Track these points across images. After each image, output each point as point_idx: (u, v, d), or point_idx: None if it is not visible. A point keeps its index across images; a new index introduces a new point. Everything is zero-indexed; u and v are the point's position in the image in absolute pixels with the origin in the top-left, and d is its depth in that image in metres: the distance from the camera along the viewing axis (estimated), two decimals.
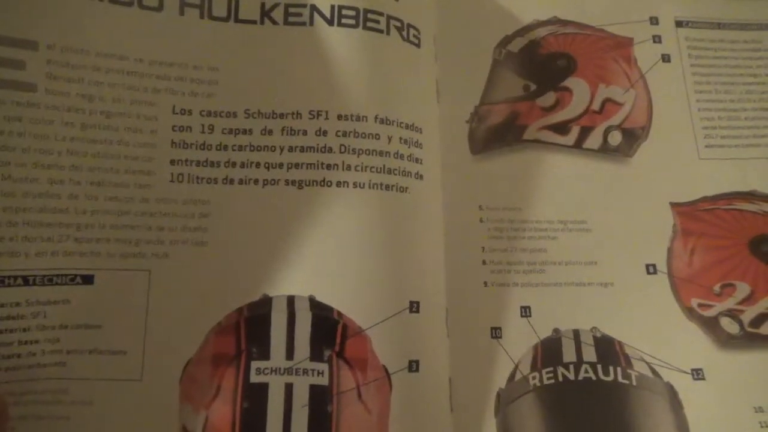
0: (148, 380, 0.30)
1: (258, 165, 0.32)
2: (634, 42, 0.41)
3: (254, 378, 0.30)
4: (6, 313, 0.29)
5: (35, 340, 0.29)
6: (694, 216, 0.37)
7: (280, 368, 0.30)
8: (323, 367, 0.30)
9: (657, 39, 0.41)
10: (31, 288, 0.29)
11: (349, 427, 0.30)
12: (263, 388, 0.30)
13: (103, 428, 0.29)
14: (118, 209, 0.31)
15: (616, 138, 0.39)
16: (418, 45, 0.35)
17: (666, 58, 0.41)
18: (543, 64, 0.40)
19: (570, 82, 0.39)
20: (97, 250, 0.30)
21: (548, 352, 0.34)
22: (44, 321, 0.29)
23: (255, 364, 0.30)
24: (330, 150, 0.33)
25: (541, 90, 0.39)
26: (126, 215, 0.31)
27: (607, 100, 0.39)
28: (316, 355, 0.30)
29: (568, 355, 0.34)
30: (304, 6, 0.34)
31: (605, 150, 0.39)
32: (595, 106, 0.39)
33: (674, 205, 0.38)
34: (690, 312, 0.36)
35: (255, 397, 0.29)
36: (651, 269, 0.37)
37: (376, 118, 0.33)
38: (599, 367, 0.34)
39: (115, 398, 0.30)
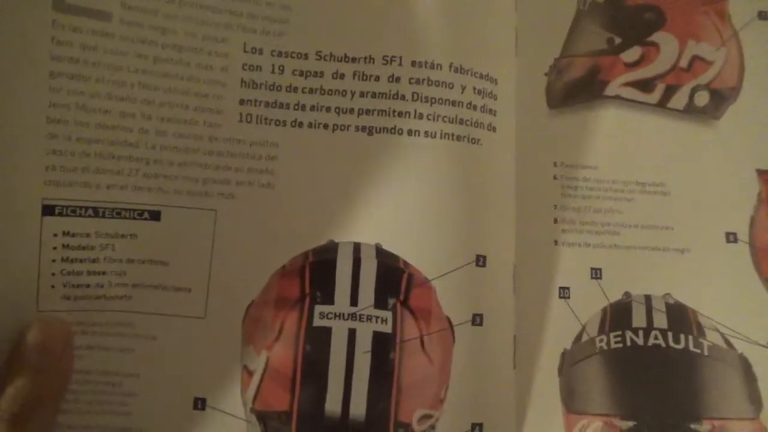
0: (211, 319, 0.30)
1: (328, 109, 0.32)
2: None
3: (317, 322, 0.30)
4: (77, 243, 0.29)
5: (103, 272, 0.29)
6: None
7: (343, 314, 0.30)
8: (387, 314, 0.30)
9: None
10: (100, 220, 0.29)
11: (411, 376, 0.30)
12: (326, 332, 0.30)
13: (167, 363, 0.30)
14: (186, 146, 0.30)
15: (703, 98, 0.37)
16: None
17: (763, 15, 0.38)
18: (629, 16, 0.37)
19: (657, 36, 0.37)
20: (164, 186, 0.30)
21: (617, 315, 0.34)
22: (112, 254, 0.30)
23: (318, 309, 0.30)
24: (402, 97, 0.32)
25: (625, 44, 0.37)
26: (194, 153, 0.30)
27: (695, 58, 0.37)
28: (380, 303, 0.30)
29: (638, 320, 0.33)
30: None
31: (691, 110, 0.37)
32: (683, 63, 0.37)
33: (761, 172, 0.36)
34: None
35: (317, 340, 0.30)
36: (731, 237, 0.35)
37: (450, 66, 0.32)
38: (670, 334, 0.33)
39: (179, 334, 0.30)
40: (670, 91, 0.37)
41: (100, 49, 0.29)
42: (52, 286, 0.29)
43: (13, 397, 0.26)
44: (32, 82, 0.28)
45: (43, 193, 0.28)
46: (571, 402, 0.33)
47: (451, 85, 0.32)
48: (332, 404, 0.29)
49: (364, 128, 0.32)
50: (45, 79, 0.28)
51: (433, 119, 0.32)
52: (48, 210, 0.29)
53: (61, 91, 0.29)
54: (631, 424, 0.32)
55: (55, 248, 0.29)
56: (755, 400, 0.32)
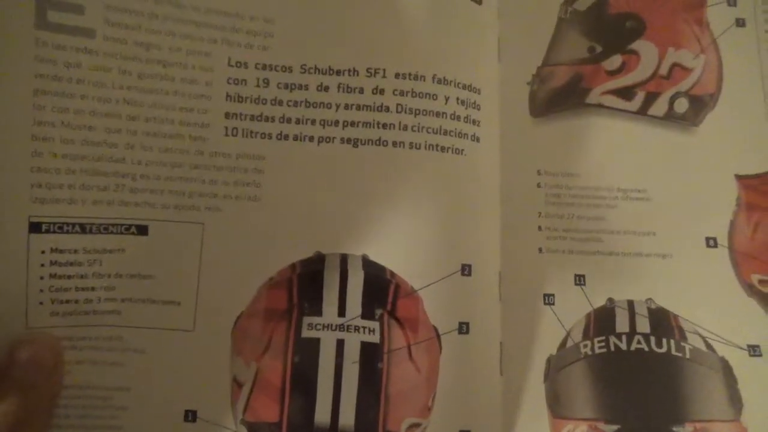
0: (200, 331, 0.30)
1: (313, 122, 0.32)
2: (707, 4, 0.39)
3: (305, 333, 0.30)
4: (64, 259, 0.29)
5: (91, 287, 0.30)
6: (760, 189, 0.36)
7: (331, 324, 0.30)
8: (374, 325, 0.30)
9: (731, 2, 0.39)
10: (87, 236, 0.29)
11: (398, 385, 0.30)
12: (314, 343, 0.30)
13: (157, 376, 0.30)
14: (172, 161, 0.31)
15: (682, 105, 0.37)
16: (479, 2, 0.34)
17: (740, 23, 0.39)
18: (610, 24, 0.38)
19: (638, 44, 0.38)
20: (151, 201, 0.30)
21: (601, 321, 0.34)
22: (100, 269, 0.30)
23: (307, 320, 0.30)
24: (387, 109, 0.32)
25: (607, 52, 0.38)
26: (180, 167, 0.31)
27: (675, 65, 0.37)
28: (367, 313, 0.30)
29: (621, 325, 0.34)
30: None
31: (671, 117, 0.37)
32: (663, 71, 0.37)
33: (740, 178, 0.36)
34: (750, 288, 0.35)
35: (306, 351, 0.30)
36: (711, 242, 0.36)
37: (434, 77, 0.32)
38: (652, 338, 0.34)
39: (169, 347, 0.30)
40: (650, 99, 0.37)
41: (84, 66, 0.29)
42: (41, 303, 0.29)
43: (4, 414, 0.26)
44: (16, 100, 0.28)
45: (30, 211, 0.28)
46: (557, 407, 0.33)
47: (434, 96, 0.32)
48: (321, 414, 0.29)
49: (349, 140, 0.32)
50: (29, 97, 0.28)
51: (418, 130, 0.32)
52: (35, 227, 0.29)
53: (45, 108, 0.29)
54: (615, 427, 0.32)
55: (42, 265, 0.29)
56: (736, 402, 0.33)
